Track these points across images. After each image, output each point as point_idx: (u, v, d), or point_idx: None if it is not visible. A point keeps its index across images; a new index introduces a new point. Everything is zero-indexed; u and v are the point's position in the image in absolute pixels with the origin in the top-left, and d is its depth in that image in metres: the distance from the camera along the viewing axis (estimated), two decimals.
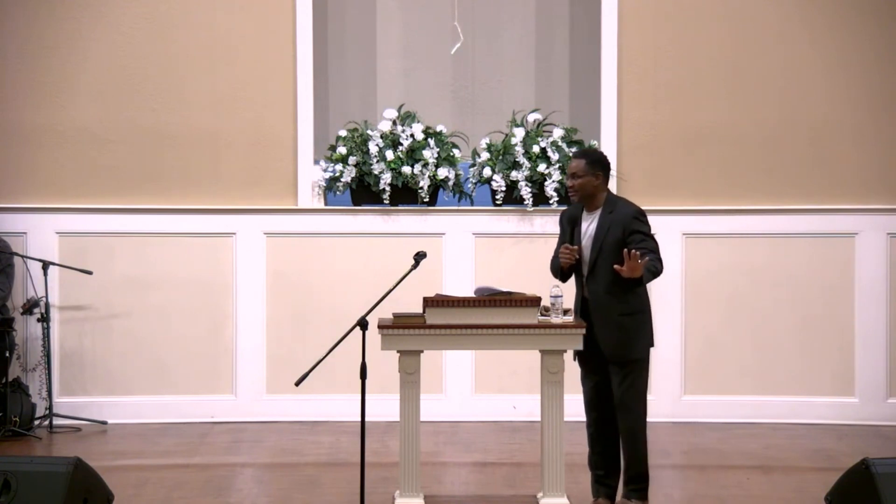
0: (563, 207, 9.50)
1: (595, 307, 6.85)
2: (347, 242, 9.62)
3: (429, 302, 6.78)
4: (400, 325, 6.78)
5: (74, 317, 9.58)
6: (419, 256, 6.88)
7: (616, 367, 6.89)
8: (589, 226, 6.92)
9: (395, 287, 6.68)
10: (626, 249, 6.70)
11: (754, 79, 9.65)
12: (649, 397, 9.57)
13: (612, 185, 9.60)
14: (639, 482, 6.98)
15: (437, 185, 9.60)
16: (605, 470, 7.03)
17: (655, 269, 6.79)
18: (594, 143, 9.66)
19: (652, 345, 6.95)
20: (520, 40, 9.97)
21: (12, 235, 9.49)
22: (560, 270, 6.99)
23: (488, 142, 9.64)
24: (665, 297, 9.59)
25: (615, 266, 6.70)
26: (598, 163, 6.95)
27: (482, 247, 9.62)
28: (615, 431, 7.01)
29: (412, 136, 9.57)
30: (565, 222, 7.05)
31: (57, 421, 9.26)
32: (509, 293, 6.81)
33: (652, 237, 6.88)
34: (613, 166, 9.63)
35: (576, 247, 6.89)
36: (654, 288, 9.54)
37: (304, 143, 9.66)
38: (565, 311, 6.81)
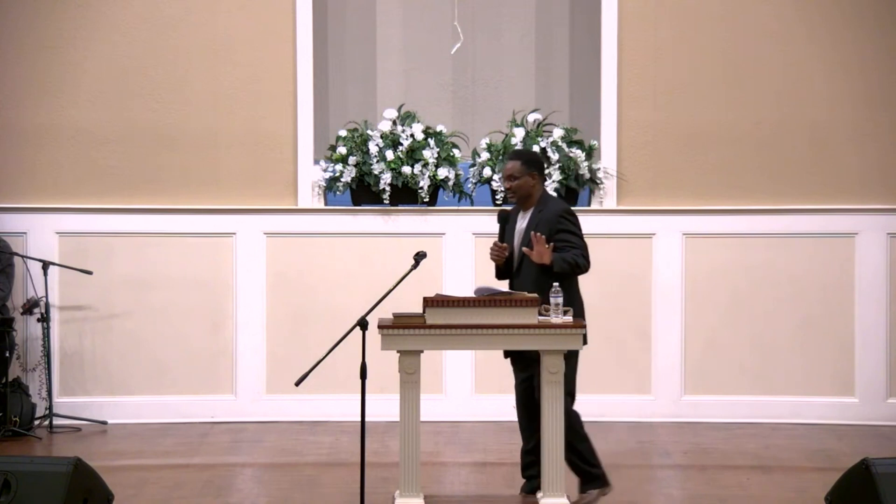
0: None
1: None
2: (347, 242, 9.62)
3: (429, 302, 6.78)
4: (400, 325, 6.78)
5: (74, 317, 9.58)
6: (419, 256, 6.89)
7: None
8: (521, 225, 7.05)
9: (395, 287, 6.68)
10: (533, 232, 6.83)
11: (754, 79, 9.65)
12: (648, 397, 9.64)
13: (612, 185, 9.63)
14: (590, 477, 7.03)
15: (437, 185, 9.60)
16: (536, 468, 7.08)
17: (575, 262, 6.89)
18: (594, 143, 9.66)
19: (583, 343, 6.93)
20: (520, 40, 9.97)
21: (12, 235, 9.49)
22: (497, 268, 7.11)
23: (488, 142, 9.64)
24: (665, 297, 9.60)
25: (523, 249, 6.83)
26: (533, 163, 7.09)
27: (482, 247, 9.58)
28: (529, 424, 7.09)
29: (412, 136, 9.58)
30: (500, 220, 7.13)
31: (57, 421, 9.26)
32: (509, 293, 6.81)
33: (578, 235, 6.98)
34: (613, 166, 9.65)
35: (504, 245, 7.01)
36: (655, 287, 9.61)
37: (304, 143, 9.66)
38: (565, 311, 6.81)
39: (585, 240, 7.07)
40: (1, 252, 9.28)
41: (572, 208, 7.19)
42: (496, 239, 7.13)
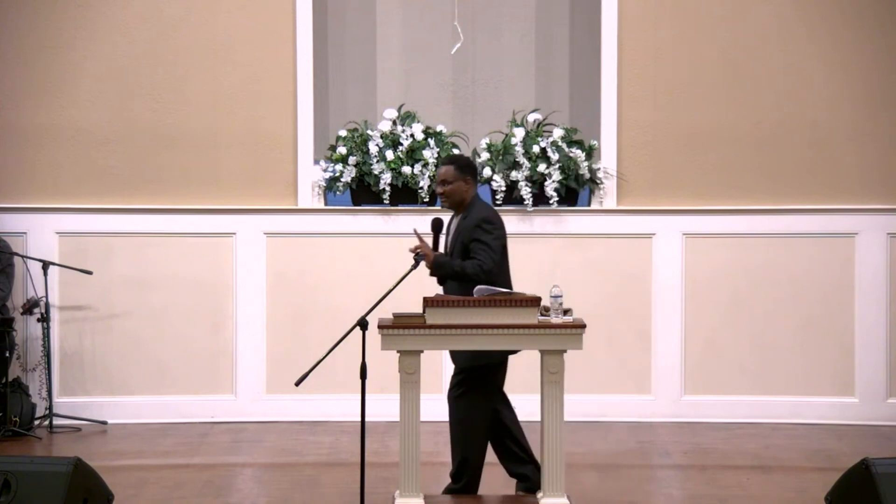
0: (563, 208, 9.55)
1: None
2: (347, 242, 9.62)
3: (429, 302, 6.78)
4: (400, 325, 6.77)
5: (74, 317, 9.58)
6: (419, 257, 6.88)
7: (457, 369, 6.97)
8: (451, 230, 7.05)
9: (395, 287, 6.68)
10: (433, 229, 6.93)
11: (754, 79, 9.65)
12: (648, 397, 9.65)
13: (612, 185, 9.63)
14: (459, 480, 6.99)
15: None
16: (512, 465, 7.07)
17: (463, 270, 6.82)
18: (594, 143, 9.66)
19: (489, 358, 6.88)
20: (520, 40, 9.97)
21: (12, 235, 9.49)
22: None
23: (488, 142, 9.64)
24: (665, 297, 9.60)
25: (410, 250, 6.89)
26: (467, 168, 7.05)
27: None
28: (500, 426, 7.06)
29: (412, 136, 9.58)
30: (433, 229, 7.08)
31: (57, 421, 9.26)
32: (509, 293, 6.81)
33: (486, 245, 6.88)
34: (613, 166, 9.66)
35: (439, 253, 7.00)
36: (655, 287, 9.60)
37: (304, 143, 9.66)
38: (565, 311, 6.80)
39: (497, 250, 6.97)
40: (1, 252, 9.28)
41: (497, 215, 7.04)
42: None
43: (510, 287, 7.03)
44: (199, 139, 9.65)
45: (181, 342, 9.60)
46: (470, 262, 6.88)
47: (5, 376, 9.13)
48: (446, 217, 7.19)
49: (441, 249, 7.08)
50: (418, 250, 6.90)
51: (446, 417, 9.41)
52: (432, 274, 7.00)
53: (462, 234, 6.95)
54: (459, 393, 7.01)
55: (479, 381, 6.94)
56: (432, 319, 6.74)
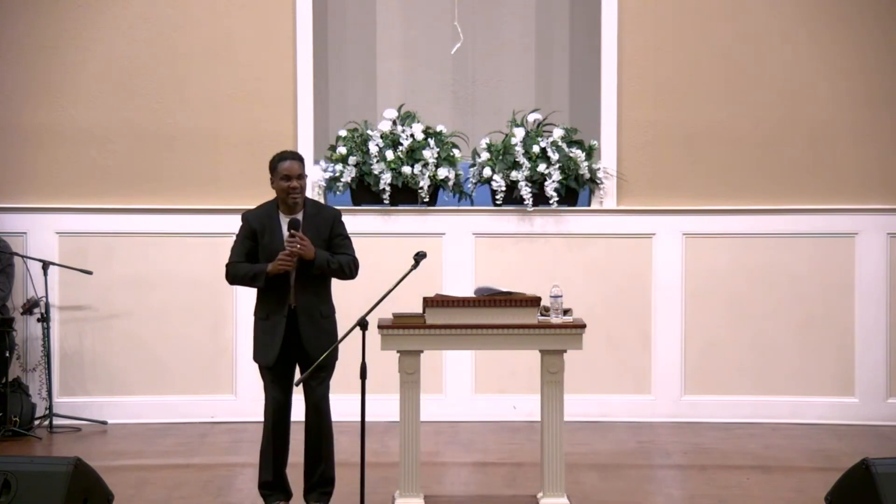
0: (563, 208, 9.54)
1: (303, 312, 6.79)
2: None
3: (429, 302, 6.79)
4: (400, 325, 6.78)
5: (74, 317, 9.58)
6: (419, 256, 6.87)
7: (315, 371, 6.81)
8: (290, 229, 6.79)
9: (395, 287, 6.68)
10: (290, 229, 6.66)
11: (754, 79, 9.65)
12: (648, 397, 9.65)
13: (612, 185, 9.63)
14: (329, 485, 6.94)
15: (437, 185, 9.60)
16: (280, 475, 7.06)
17: (340, 266, 6.73)
18: (594, 143, 9.66)
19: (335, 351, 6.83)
20: (520, 40, 9.97)
21: (12, 235, 9.49)
22: (264, 277, 6.78)
23: (488, 142, 9.64)
24: (665, 297, 9.60)
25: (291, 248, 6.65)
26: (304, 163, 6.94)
27: (482, 247, 9.62)
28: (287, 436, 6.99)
29: (412, 136, 9.57)
30: (254, 226, 6.88)
31: (57, 421, 9.26)
32: (509, 293, 6.81)
33: (350, 240, 6.86)
34: (613, 166, 9.66)
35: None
36: (655, 287, 9.60)
37: (304, 143, 9.66)
38: (565, 311, 6.81)
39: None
40: (1, 252, 9.28)
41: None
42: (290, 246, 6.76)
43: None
44: (199, 139, 9.65)
45: (181, 342, 9.60)
46: (345, 257, 6.77)
47: (5, 376, 9.14)
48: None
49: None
50: (301, 242, 6.65)
51: (446, 417, 9.47)
52: (312, 269, 6.74)
53: (322, 230, 6.77)
54: (325, 389, 6.92)
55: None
56: (432, 319, 6.75)
